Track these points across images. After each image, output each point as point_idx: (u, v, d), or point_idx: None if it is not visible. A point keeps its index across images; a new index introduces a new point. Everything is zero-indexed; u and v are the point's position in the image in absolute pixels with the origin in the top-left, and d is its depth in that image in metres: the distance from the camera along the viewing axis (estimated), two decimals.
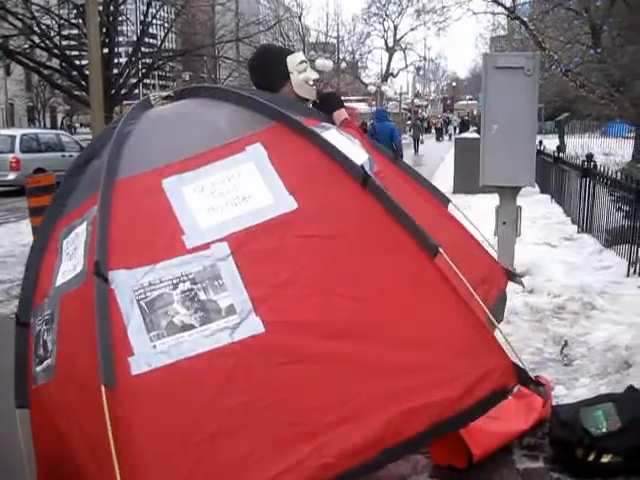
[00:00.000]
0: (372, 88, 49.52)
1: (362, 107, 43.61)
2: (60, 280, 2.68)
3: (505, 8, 20.82)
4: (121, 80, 20.36)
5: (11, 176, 17.04)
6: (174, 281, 2.41)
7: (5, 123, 48.74)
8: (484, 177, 6.68)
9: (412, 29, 56.25)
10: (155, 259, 2.44)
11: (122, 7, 22.23)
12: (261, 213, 2.54)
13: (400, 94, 62.22)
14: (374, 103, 45.76)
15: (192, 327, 2.34)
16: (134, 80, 22.80)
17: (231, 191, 2.60)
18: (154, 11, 23.62)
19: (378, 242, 2.57)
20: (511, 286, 5.75)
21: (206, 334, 2.33)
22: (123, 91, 20.63)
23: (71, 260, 2.68)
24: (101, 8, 17.95)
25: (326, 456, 2.22)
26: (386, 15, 59.62)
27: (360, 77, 58.12)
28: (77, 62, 20.88)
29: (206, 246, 2.47)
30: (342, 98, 3.63)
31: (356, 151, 2.94)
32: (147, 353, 2.30)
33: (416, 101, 65.78)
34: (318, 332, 2.38)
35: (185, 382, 2.29)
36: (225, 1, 30.32)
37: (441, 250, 2.52)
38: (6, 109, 50.97)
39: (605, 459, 3.22)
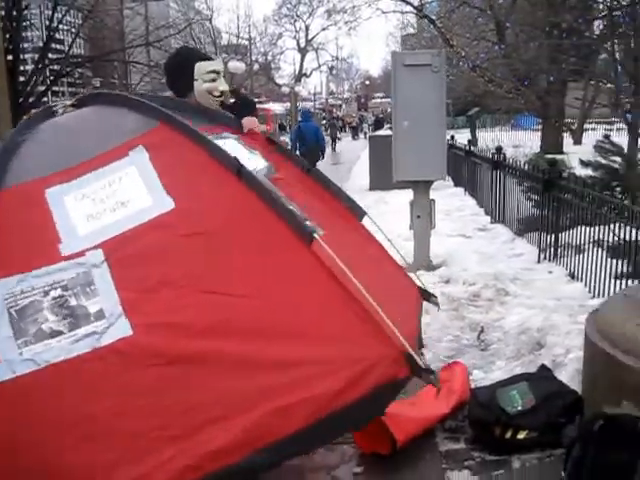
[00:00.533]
0: (286, 89, 49.61)
1: (277, 107, 43.78)
2: None
3: (413, 7, 21.28)
4: (28, 88, 19.77)
5: None
6: (46, 288, 2.41)
7: None
8: (397, 173, 6.85)
9: (323, 29, 56.31)
10: (29, 267, 2.44)
11: (26, 12, 21.57)
12: (138, 216, 2.54)
13: (314, 94, 62.64)
14: (288, 104, 45.96)
15: (60, 333, 2.34)
16: (42, 88, 22.18)
17: (110, 197, 2.61)
18: (60, 16, 23.01)
19: (254, 234, 2.55)
20: (428, 277, 5.97)
21: (73, 340, 2.32)
22: (31, 99, 20.02)
23: None
24: (3, 13, 17.41)
25: (191, 457, 2.18)
26: (297, 16, 59.57)
27: (273, 78, 58.05)
28: None
29: (81, 253, 2.47)
30: (256, 99, 3.64)
31: (252, 159, 2.93)
32: (13, 360, 2.30)
33: (330, 100, 66.20)
34: (191, 331, 2.33)
35: (49, 389, 2.28)
36: (134, 5, 29.81)
37: (316, 236, 2.48)
38: None
39: (521, 435, 3.36)
